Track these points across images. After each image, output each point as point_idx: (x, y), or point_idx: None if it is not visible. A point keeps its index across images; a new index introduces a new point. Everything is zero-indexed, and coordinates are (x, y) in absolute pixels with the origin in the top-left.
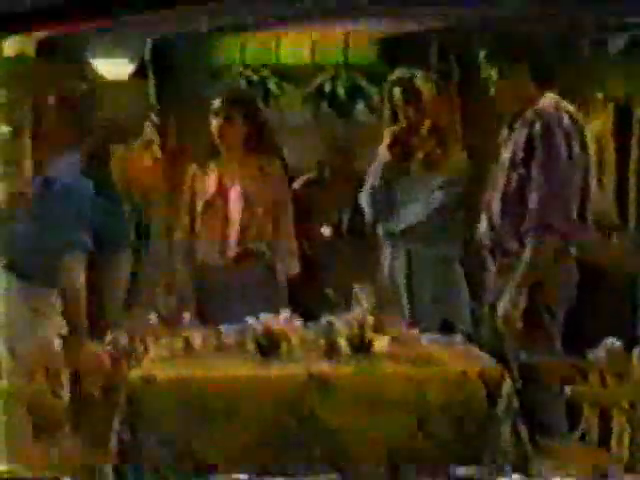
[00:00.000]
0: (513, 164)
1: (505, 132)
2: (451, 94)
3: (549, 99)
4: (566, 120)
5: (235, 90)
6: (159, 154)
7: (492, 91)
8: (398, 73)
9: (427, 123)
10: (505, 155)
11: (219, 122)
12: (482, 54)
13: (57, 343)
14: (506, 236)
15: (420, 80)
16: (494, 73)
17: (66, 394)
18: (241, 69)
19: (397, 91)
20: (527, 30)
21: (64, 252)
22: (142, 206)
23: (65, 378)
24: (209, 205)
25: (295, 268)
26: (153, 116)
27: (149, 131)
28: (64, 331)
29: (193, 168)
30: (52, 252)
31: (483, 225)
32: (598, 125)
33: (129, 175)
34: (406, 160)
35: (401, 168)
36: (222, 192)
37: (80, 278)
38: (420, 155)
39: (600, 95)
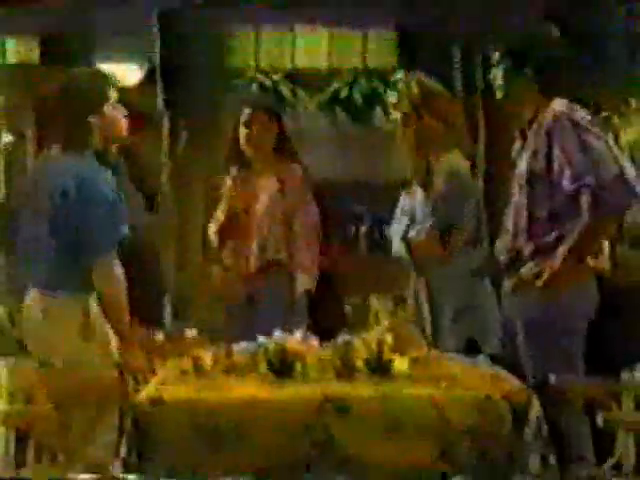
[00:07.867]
0: (532, 175)
1: (518, 143)
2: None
3: (559, 105)
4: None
5: (262, 97)
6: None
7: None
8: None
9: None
10: (521, 167)
11: (255, 130)
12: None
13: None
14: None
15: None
16: (501, 79)
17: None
18: (255, 74)
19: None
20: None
21: (98, 254)
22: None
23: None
24: (232, 216)
25: (308, 283)
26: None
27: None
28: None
29: (232, 174)
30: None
31: (499, 240)
32: (633, 133)
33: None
34: None
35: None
36: (246, 203)
37: (119, 280)
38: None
39: (634, 102)
